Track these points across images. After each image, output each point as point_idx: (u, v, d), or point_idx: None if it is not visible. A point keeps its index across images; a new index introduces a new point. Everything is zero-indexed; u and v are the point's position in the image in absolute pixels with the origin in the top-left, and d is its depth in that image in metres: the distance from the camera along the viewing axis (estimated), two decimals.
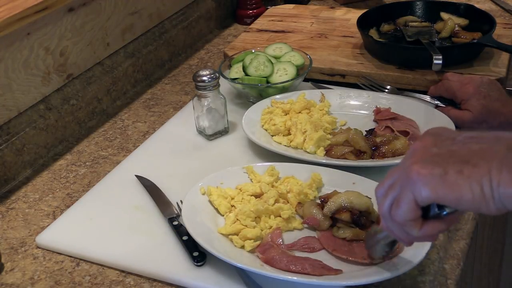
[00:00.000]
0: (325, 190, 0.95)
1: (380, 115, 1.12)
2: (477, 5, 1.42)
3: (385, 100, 1.16)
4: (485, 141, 0.60)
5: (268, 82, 1.20)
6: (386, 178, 0.67)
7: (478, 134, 0.61)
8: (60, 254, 0.91)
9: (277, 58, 1.24)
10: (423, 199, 0.62)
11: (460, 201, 0.59)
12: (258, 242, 0.86)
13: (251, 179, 0.98)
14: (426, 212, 0.65)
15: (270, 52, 1.26)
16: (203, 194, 0.95)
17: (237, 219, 0.89)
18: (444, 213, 0.64)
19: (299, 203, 0.93)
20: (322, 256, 0.84)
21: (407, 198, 0.63)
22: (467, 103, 1.08)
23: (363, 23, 1.35)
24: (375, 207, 0.89)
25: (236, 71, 1.22)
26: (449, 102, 1.13)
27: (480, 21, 1.32)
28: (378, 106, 1.14)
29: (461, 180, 0.59)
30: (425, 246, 0.80)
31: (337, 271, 0.80)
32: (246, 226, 0.88)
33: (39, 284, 0.86)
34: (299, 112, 1.13)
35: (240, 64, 1.23)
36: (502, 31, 1.35)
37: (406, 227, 0.65)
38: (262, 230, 0.88)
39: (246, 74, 1.20)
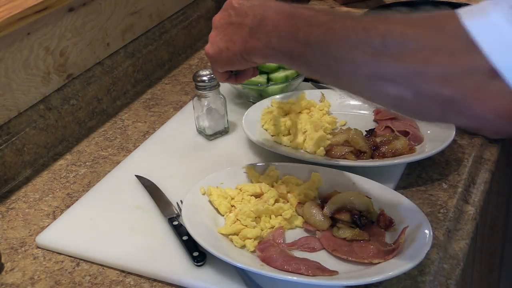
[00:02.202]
0: (325, 190, 0.95)
1: (380, 115, 1.12)
2: None
3: None
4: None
5: (268, 80, 1.20)
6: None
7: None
8: (60, 254, 0.91)
9: None
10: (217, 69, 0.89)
11: (226, 62, 0.85)
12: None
13: (251, 179, 0.98)
14: None
15: None
16: (203, 194, 0.95)
17: (237, 219, 0.90)
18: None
19: (299, 203, 0.93)
20: (322, 256, 0.84)
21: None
22: None
23: None
24: (375, 207, 0.89)
25: None
26: None
27: None
28: (378, 106, 1.14)
29: (222, 43, 0.84)
30: (425, 246, 0.80)
31: (333, 272, 0.79)
32: (246, 226, 0.88)
33: (39, 284, 0.86)
34: (299, 112, 1.13)
35: None
36: None
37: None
38: (262, 230, 0.88)
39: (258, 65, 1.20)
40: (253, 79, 1.18)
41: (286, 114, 1.14)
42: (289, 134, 1.09)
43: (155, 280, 0.85)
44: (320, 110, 1.14)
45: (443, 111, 0.60)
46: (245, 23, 0.79)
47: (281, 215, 0.90)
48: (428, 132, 1.05)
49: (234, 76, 0.92)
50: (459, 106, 0.59)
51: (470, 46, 0.55)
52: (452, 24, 0.57)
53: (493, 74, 0.55)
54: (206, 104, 1.10)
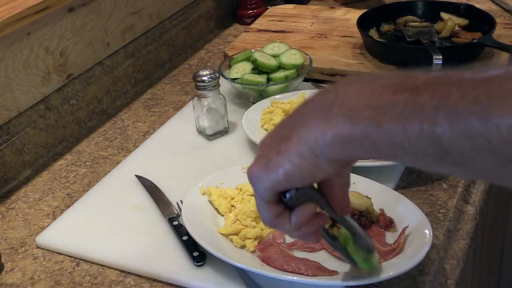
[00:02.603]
0: None
1: None
2: (477, 5, 1.42)
3: None
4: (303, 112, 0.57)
5: (268, 80, 1.20)
6: None
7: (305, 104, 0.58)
8: (60, 254, 0.91)
9: (275, 56, 1.24)
10: (262, 194, 0.60)
11: (288, 177, 0.57)
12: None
13: None
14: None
15: (268, 51, 1.26)
16: (203, 194, 0.95)
17: (237, 219, 0.89)
18: (286, 196, 0.61)
19: None
20: (322, 256, 0.84)
21: (257, 201, 0.62)
22: None
23: (363, 23, 1.35)
24: (375, 207, 0.89)
25: (236, 71, 1.22)
26: None
27: (480, 21, 1.32)
28: None
29: (280, 159, 0.57)
30: (425, 246, 0.80)
31: (333, 272, 0.79)
32: (246, 226, 0.88)
33: (39, 284, 0.86)
34: None
35: (240, 64, 1.23)
36: (502, 31, 1.35)
37: (279, 227, 0.64)
38: (262, 230, 0.88)
39: (258, 65, 1.21)
40: (253, 79, 1.19)
41: (286, 114, 1.14)
42: None
43: (155, 280, 0.85)
44: None
45: None
46: None
47: None
48: None
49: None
50: None
51: None
52: None
53: None
54: (206, 104, 1.10)
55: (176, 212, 0.94)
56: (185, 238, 0.88)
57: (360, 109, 0.52)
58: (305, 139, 0.55)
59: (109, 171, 1.08)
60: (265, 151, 0.59)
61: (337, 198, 0.64)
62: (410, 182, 0.99)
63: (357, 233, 0.69)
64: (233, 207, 0.93)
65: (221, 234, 0.88)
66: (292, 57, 1.23)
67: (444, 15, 1.38)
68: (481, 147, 0.46)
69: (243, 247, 0.86)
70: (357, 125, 0.52)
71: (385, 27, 1.40)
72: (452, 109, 0.46)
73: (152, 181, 1.02)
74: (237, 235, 0.87)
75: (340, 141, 0.53)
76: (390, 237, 0.86)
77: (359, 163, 0.99)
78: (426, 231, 0.82)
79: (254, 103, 1.18)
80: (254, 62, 1.22)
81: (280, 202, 0.62)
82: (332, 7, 1.61)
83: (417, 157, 0.50)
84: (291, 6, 1.63)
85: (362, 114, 0.51)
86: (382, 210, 0.89)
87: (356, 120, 0.52)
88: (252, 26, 1.52)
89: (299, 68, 1.22)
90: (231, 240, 0.87)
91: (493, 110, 0.45)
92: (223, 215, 0.92)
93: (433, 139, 0.47)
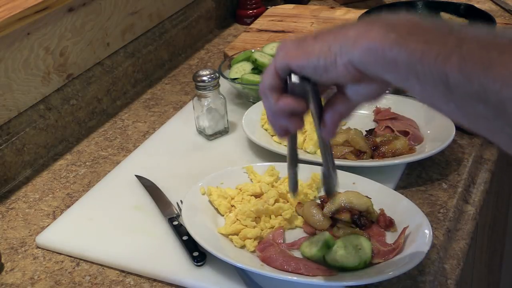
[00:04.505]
0: None
1: (380, 115, 1.12)
2: (477, 5, 1.42)
3: (385, 100, 1.16)
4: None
5: None
6: None
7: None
8: (60, 254, 0.91)
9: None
10: (278, 64, 0.66)
11: (308, 59, 0.63)
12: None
13: (251, 179, 0.98)
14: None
15: (268, 51, 1.26)
16: (203, 194, 0.95)
17: (237, 219, 0.90)
18: (292, 79, 0.66)
19: (299, 203, 0.93)
20: None
21: (269, 67, 0.67)
22: None
23: None
24: (375, 207, 0.89)
25: (236, 71, 1.22)
26: None
27: (480, 21, 1.32)
28: (378, 106, 1.14)
29: (312, 42, 0.63)
30: (425, 246, 0.80)
31: (332, 272, 0.79)
32: (246, 226, 0.88)
33: (39, 284, 0.86)
34: None
35: (240, 64, 1.23)
36: None
37: (266, 97, 0.68)
38: (262, 230, 0.88)
39: (258, 65, 1.21)
40: (253, 79, 1.19)
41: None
42: None
43: (155, 280, 0.85)
44: None
45: None
46: None
47: (281, 215, 0.90)
48: (428, 132, 1.05)
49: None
50: None
51: None
52: None
53: None
54: (206, 104, 1.10)
55: (176, 212, 0.94)
56: (185, 238, 0.88)
57: (397, 26, 0.57)
58: (341, 38, 0.60)
59: (109, 171, 1.08)
60: (308, 35, 0.64)
61: (331, 117, 0.68)
62: (410, 182, 0.99)
63: (325, 171, 0.73)
64: (233, 207, 0.93)
65: (221, 234, 0.88)
66: None
67: (444, 15, 1.38)
68: (479, 95, 0.50)
69: (243, 247, 0.86)
70: (388, 37, 0.56)
71: None
72: (465, 55, 0.51)
73: (152, 181, 1.02)
74: (237, 235, 0.87)
75: (367, 47, 0.58)
76: (390, 237, 0.86)
77: (359, 163, 0.99)
78: (426, 231, 0.82)
79: (254, 103, 1.18)
80: (254, 62, 1.22)
81: (284, 83, 0.67)
82: (332, 7, 1.61)
83: (426, 88, 0.54)
84: (291, 6, 1.63)
85: (396, 30, 0.56)
86: (382, 210, 0.89)
87: (390, 33, 0.57)
88: (252, 26, 1.52)
89: None
90: (231, 240, 0.87)
91: (497, 66, 0.49)
92: (223, 215, 0.92)
93: (443, 73, 0.52)
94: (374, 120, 1.13)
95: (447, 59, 0.52)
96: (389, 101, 1.15)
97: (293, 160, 0.76)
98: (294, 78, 0.65)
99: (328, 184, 0.74)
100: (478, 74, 0.50)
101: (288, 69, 0.65)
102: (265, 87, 0.67)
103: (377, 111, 1.13)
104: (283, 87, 0.67)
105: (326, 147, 0.72)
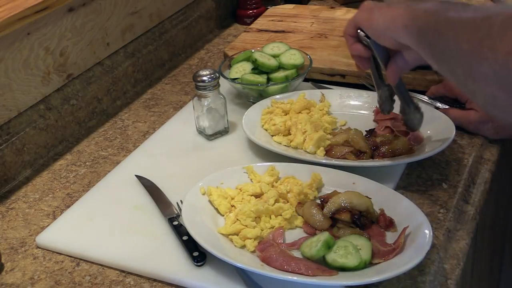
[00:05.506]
0: (325, 190, 0.95)
1: (380, 115, 1.12)
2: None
3: None
4: None
5: (268, 80, 1.20)
6: None
7: None
8: (60, 254, 0.91)
9: (275, 56, 1.24)
10: (354, 19, 0.91)
11: (369, 25, 0.87)
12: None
13: (251, 179, 0.98)
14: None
15: (268, 51, 1.26)
16: (203, 194, 0.95)
17: (237, 219, 0.90)
18: (362, 33, 0.91)
19: (299, 203, 0.93)
20: None
21: (350, 19, 0.92)
22: (473, 103, 1.07)
23: None
24: (375, 207, 0.89)
25: (236, 71, 1.22)
26: (451, 101, 1.13)
27: None
28: (378, 107, 1.14)
29: (378, 13, 0.85)
30: (425, 246, 0.80)
31: (333, 272, 0.79)
32: (246, 226, 0.88)
33: (39, 284, 0.86)
34: (299, 112, 1.13)
35: (240, 64, 1.23)
36: None
37: (346, 38, 0.94)
38: (262, 230, 0.88)
39: (258, 65, 1.21)
40: (253, 79, 1.19)
41: (286, 114, 1.14)
42: (289, 134, 1.09)
43: (155, 280, 0.85)
44: (320, 110, 1.14)
45: None
46: None
47: (281, 215, 0.90)
48: (428, 132, 1.05)
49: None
50: None
51: None
52: None
53: None
54: (206, 104, 1.10)
55: (176, 212, 0.94)
56: (185, 238, 0.88)
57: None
58: (389, 17, 0.82)
59: (109, 171, 1.08)
60: (382, 4, 0.85)
61: (392, 68, 0.91)
62: (410, 182, 0.99)
63: (405, 96, 0.97)
64: (233, 207, 0.93)
65: (221, 234, 0.88)
66: (292, 57, 1.23)
67: None
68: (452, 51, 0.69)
69: (243, 247, 0.86)
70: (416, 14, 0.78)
71: None
72: (449, 25, 0.70)
73: (152, 181, 1.02)
74: (237, 235, 0.87)
75: (401, 23, 0.79)
76: (390, 237, 0.86)
77: (359, 163, 0.99)
78: (426, 231, 0.82)
79: (254, 103, 1.18)
80: (254, 62, 1.22)
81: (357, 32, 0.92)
82: (332, 7, 1.61)
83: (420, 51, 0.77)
84: (291, 6, 1.63)
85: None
86: (382, 210, 0.89)
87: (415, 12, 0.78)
88: (252, 26, 1.52)
89: (299, 68, 1.22)
90: (231, 240, 0.87)
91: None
92: (223, 215, 0.92)
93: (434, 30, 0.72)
94: (374, 120, 1.13)
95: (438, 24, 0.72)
96: None
97: (381, 80, 0.98)
98: (361, 33, 0.91)
99: (407, 120, 0.98)
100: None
101: (358, 25, 0.90)
102: (345, 32, 0.94)
103: (377, 111, 1.13)
104: (357, 36, 0.92)
105: (398, 86, 0.95)
